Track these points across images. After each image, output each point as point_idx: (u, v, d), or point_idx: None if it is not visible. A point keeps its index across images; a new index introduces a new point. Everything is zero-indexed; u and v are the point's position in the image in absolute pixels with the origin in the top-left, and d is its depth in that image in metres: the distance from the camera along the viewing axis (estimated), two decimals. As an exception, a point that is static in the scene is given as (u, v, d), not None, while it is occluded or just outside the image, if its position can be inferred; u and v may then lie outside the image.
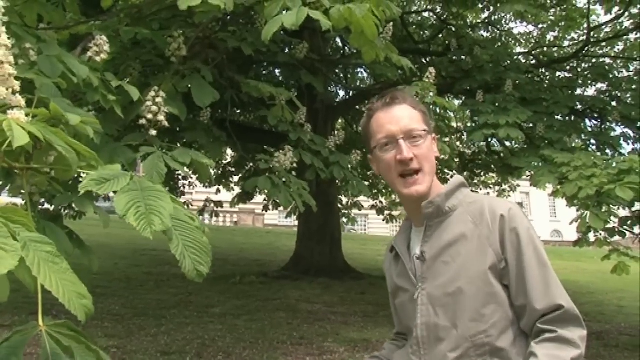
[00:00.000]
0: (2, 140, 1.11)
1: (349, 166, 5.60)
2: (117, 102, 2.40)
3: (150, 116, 2.59)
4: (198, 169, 2.86)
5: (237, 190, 12.10)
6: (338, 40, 10.76)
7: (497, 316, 1.40)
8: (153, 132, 2.59)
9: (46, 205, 2.41)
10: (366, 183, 12.09)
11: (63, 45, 2.64)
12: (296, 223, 12.88)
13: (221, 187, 13.10)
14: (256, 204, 13.59)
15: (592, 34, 9.73)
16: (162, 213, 1.10)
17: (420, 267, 1.50)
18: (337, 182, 5.42)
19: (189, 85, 3.59)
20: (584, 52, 9.76)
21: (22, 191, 1.38)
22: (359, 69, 12.15)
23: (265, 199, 10.64)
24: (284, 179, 4.35)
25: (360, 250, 17.91)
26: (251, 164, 9.82)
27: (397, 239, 1.63)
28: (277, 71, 9.93)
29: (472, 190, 1.62)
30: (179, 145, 4.54)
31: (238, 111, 9.77)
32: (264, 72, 9.72)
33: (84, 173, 1.23)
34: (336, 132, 5.82)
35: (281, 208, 4.46)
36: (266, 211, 11.86)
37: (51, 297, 0.94)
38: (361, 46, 3.37)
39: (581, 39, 10.96)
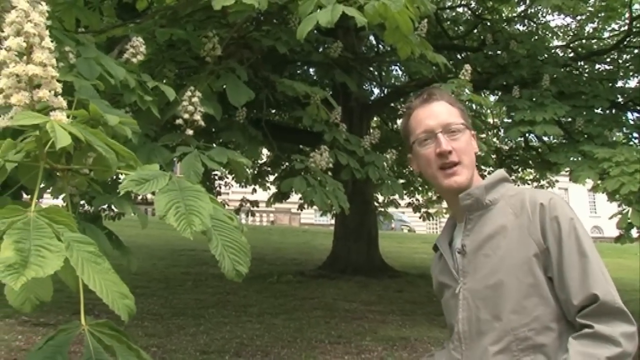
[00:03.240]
0: (45, 141, 1.12)
1: (385, 165, 5.54)
2: (154, 102, 2.42)
3: (186, 116, 2.61)
4: (235, 168, 2.87)
5: (273, 189, 12.14)
6: (372, 38, 10.70)
7: (540, 310, 1.35)
8: (190, 132, 2.61)
9: (85, 207, 2.45)
10: (402, 181, 12.03)
11: (100, 48, 2.68)
12: (332, 222, 12.85)
13: (257, 187, 13.14)
14: (292, 203, 13.62)
15: (634, 23, 9.43)
16: (201, 213, 1.09)
17: (462, 261, 1.49)
18: (373, 180, 5.36)
19: (224, 85, 3.60)
20: (625, 42, 9.50)
21: (63, 193, 1.40)
22: (393, 67, 12.05)
23: (300, 198, 10.64)
24: (319, 179, 4.33)
25: (397, 248, 17.79)
26: (287, 164, 9.84)
27: (440, 236, 1.63)
28: (311, 71, 9.93)
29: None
30: (215, 145, 4.57)
31: (273, 111, 9.80)
32: (298, 72, 9.72)
33: (122, 173, 1.24)
34: (371, 131, 5.77)
35: (317, 207, 4.44)
36: (302, 210, 11.85)
37: (93, 297, 0.95)
38: (396, 42, 3.34)
39: (622, 29, 10.63)
